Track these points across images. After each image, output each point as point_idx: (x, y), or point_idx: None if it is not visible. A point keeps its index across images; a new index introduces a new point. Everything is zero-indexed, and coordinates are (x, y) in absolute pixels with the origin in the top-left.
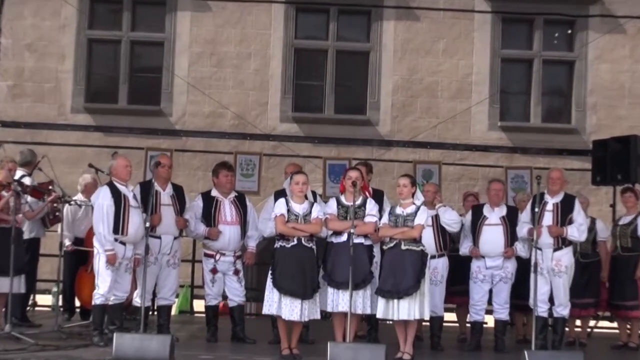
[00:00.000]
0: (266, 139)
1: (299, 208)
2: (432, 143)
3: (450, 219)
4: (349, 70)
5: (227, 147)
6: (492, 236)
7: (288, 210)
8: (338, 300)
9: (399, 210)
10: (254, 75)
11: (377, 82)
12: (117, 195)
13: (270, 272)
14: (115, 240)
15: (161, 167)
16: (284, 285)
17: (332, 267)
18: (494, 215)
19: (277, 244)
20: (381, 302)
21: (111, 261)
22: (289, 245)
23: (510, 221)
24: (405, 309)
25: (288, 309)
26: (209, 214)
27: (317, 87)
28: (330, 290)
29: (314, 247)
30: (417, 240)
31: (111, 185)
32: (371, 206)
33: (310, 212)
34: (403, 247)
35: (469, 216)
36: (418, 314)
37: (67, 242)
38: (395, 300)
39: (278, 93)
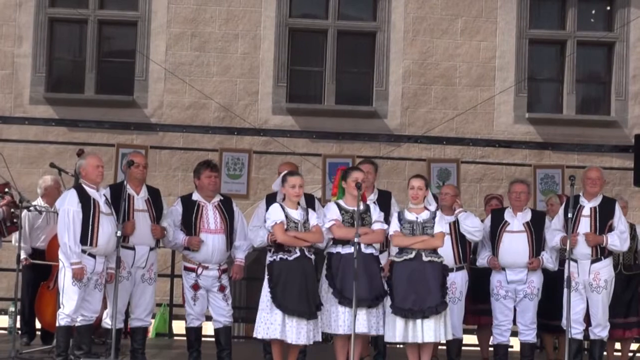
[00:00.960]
0: (256, 134)
1: (297, 214)
2: (449, 138)
3: (473, 226)
4: (352, 53)
5: (211, 144)
6: (514, 245)
7: (285, 217)
8: (352, 320)
9: (410, 216)
10: (242, 60)
11: (385, 67)
12: (85, 200)
13: (268, 289)
14: (84, 252)
15: (135, 167)
16: (289, 304)
17: (342, 282)
18: (516, 221)
19: (275, 257)
20: (399, 323)
21: (78, 276)
22: (291, 258)
23: (535, 228)
24: (431, 330)
25: (295, 331)
26: (190, 221)
27: (316, 74)
28: (341, 309)
29: (313, 257)
30: (436, 251)
31: (79, 189)
32: (377, 212)
33: (308, 219)
34: (425, 258)
35: (487, 222)
36: (444, 336)
37: (23, 255)
38: (419, 321)
39: (270, 80)
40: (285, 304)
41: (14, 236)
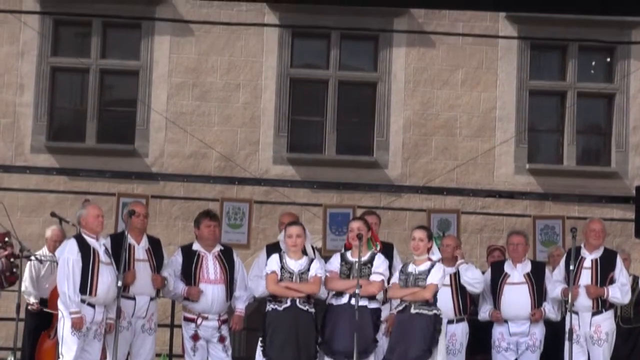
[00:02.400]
0: (257, 184)
1: (295, 265)
2: (449, 189)
3: (473, 277)
4: (353, 104)
5: (211, 193)
6: (516, 297)
7: (282, 267)
8: None
9: (411, 267)
10: (243, 110)
11: (386, 117)
12: (85, 249)
13: (260, 339)
14: (83, 301)
15: (135, 217)
16: (273, 355)
17: (330, 333)
18: (516, 272)
19: (269, 307)
20: None
21: (77, 326)
22: (281, 308)
23: (535, 279)
24: None
25: None
26: (190, 271)
27: (316, 124)
28: None
29: (312, 310)
30: (431, 303)
31: (79, 238)
32: (380, 262)
33: (309, 270)
34: (413, 310)
35: (488, 274)
36: None
37: (32, 300)
38: None
39: (271, 130)
40: (270, 354)
41: (17, 285)
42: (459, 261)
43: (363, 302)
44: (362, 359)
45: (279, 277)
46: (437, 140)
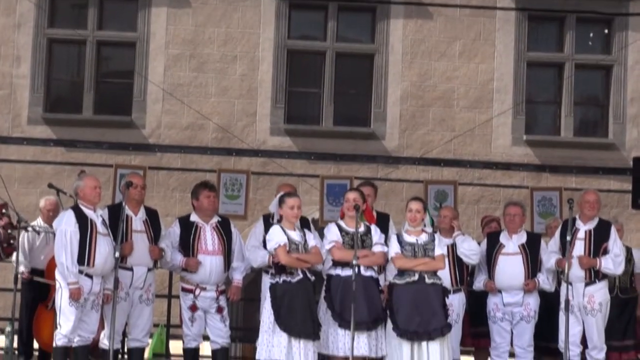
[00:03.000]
0: (254, 155)
1: (296, 236)
2: (446, 160)
3: (470, 249)
4: (350, 75)
5: (209, 164)
6: (510, 267)
7: (287, 239)
8: (352, 343)
9: (410, 238)
10: (240, 81)
11: (383, 89)
12: (83, 220)
13: (272, 311)
14: (81, 272)
15: (133, 188)
16: (295, 326)
17: (341, 304)
18: (511, 243)
19: (277, 279)
20: (406, 346)
21: (75, 296)
22: (294, 280)
23: (530, 250)
24: (437, 352)
25: (302, 352)
26: (188, 242)
27: (314, 95)
28: (340, 331)
29: (313, 280)
30: (436, 273)
31: (76, 209)
32: (378, 233)
33: (306, 241)
34: (427, 280)
35: (483, 245)
36: (447, 358)
37: (22, 269)
38: (424, 343)
39: (268, 102)
40: (291, 326)
41: (14, 256)
42: (456, 232)
43: (369, 273)
44: (373, 329)
45: (288, 248)
46: (434, 112)
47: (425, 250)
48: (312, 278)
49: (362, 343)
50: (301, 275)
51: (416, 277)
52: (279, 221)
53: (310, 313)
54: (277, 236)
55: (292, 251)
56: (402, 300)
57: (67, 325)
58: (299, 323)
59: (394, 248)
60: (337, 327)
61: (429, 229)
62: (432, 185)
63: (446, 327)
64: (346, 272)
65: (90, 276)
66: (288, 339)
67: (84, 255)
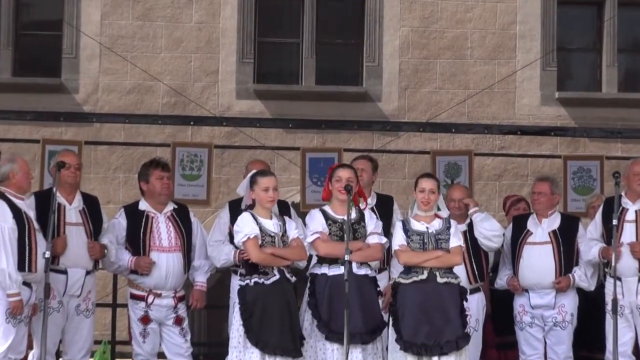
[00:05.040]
0: (217, 124)
1: (272, 225)
2: (459, 125)
3: (491, 229)
4: (336, 20)
5: (160, 137)
6: (537, 260)
7: (260, 230)
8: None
9: (419, 226)
10: (197, 31)
11: (378, 37)
12: (17, 214)
13: (241, 321)
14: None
15: (65, 169)
16: (270, 340)
17: (329, 311)
18: (540, 229)
19: (248, 280)
20: None
21: (17, 311)
22: (269, 282)
23: (564, 238)
24: None
25: None
26: (137, 237)
27: (290, 47)
28: (329, 346)
29: (294, 281)
30: (452, 270)
31: (7, 200)
32: (374, 221)
33: (286, 231)
34: (440, 279)
35: (508, 231)
36: None
37: None
38: (435, 359)
39: (233, 56)
40: (265, 340)
41: None
42: (472, 209)
43: (364, 271)
44: (369, 341)
45: (260, 241)
46: (442, 65)
47: (437, 241)
48: (293, 279)
49: (356, 358)
50: (277, 276)
51: (425, 274)
52: (251, 207)
53: (290, 323)
54: (246, 226)
55: (266, 245)
56: (408, 304)
57: (3, 346)
58: (275, 336)
59: (399, 239)
60: (325, 341)
61: (444, 213)
62: (440, 157)
63: (463, 339)
64: (334, 270)
65: (29, 284)
66: (261, 356)
67: (24, 258)
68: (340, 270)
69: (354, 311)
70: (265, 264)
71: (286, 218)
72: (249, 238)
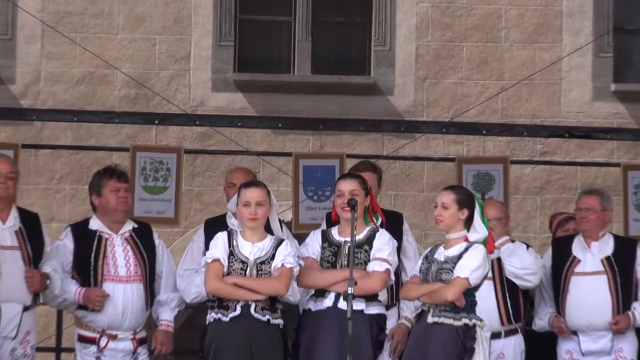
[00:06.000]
0: (189, 123)
1: (252, 250)
2: (491, 125)
3: (522, 267)
4: None
5: (117, 139)
6: (590, 296)
7: (231, 254)
8: None
9: (439, 252)
10: (164, 7)
11: (390, 15)
12: None
13: None
14: None
15: None
16: None
17: (308, 352)
18: (589, 255)
19: (210, 315)
20: None
21: None
22: (226, 318)
23: (620, 265)
24: None
25: None
26: (86, 264)
27: (280, 27)
28: None
29: (277, 321)
30: (457, 307)
31: None
32: (382, 242)
33: (273, 257)
34: (430, 318)
35: (547, 259)
36: None
37: None
38: None
39: (208, 38)
40: None
41: None
42: (501, 239)
43: (358, 306)
44: None
45: (225, 268)
46: (470, 50)
47: (438, 272)
48: (266, 317)
49: None
50: (238, 311)
51: (419, 311)
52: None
53: None
54: (212, 249)
55: (235, 273)
56: (408, 349)
57: None
58: None
59: (411, 268)
60: None
61: (480, 236)
62: (468, 166)
63: None
64: (319, 304)
65: None
66: None
67: None
68: (324, 303)
69: (337, 354)
70: (224, 297)
71: (284, 243)
72: (206, 263)
